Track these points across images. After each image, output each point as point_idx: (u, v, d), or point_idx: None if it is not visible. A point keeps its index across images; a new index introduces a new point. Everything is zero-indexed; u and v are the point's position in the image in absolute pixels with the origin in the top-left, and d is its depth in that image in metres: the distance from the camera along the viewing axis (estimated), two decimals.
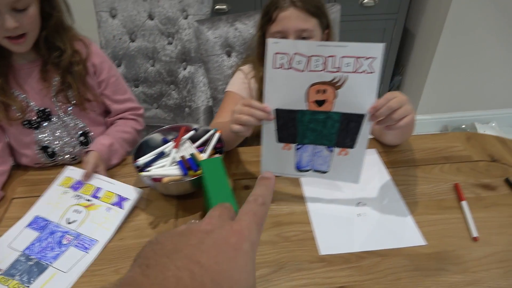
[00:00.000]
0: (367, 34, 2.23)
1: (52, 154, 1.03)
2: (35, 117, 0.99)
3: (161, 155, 0.92)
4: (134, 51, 1.56)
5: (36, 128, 1.00)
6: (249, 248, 0.28)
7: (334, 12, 1.24)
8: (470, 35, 2.04)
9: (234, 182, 0.95)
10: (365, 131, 0.77)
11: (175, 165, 0.89)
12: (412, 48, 2.37)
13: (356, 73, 0.72)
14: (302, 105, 0.77)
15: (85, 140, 1.06)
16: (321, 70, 0.73)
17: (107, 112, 1.12)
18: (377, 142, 1.05)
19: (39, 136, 1.01)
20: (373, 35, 2.24)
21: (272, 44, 0.72)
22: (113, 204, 0.89)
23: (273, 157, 0.84)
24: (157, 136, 0.98)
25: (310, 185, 0.93)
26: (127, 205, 0.89)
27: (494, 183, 0.91)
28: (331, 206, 0.87)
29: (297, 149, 0.83)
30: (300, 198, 0.90)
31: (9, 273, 0.76)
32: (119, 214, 0.87)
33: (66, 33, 0.95)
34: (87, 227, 0.85)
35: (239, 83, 1.16)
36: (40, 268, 0.77)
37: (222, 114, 1.12)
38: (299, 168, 0.86)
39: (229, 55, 1.24)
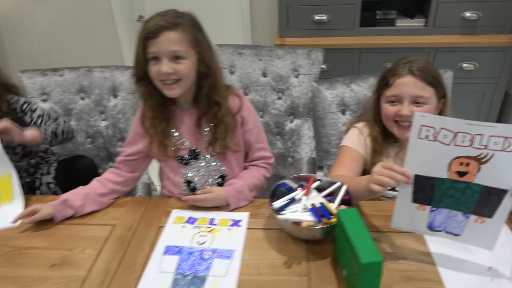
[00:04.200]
0: (466, 97, 2.21)
1: (193, 189, 1.18)
2: (187, 155, 1.15)
3: (292, 201, 1.00)
4: None
5: (186, 164, 1.17)
6: None
7: (446, 78, 1.30)
8: None
9: None
10: (506, 205, 0.79)
11: (306, 211, 0.96)
12: None
13: (504, 152, 0.75)
14: (442, 174, 0.81)
15: (222, 182, 1.20)
16: (468, 146, 0.77)
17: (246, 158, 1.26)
18: None
19: (186, 171, 1.17)
20: (472, 99, 2.22)
21: (419, 117, 0.79)
22: (231, 226, 1.04)
23: (406, 214, 0.88)
24: (288, 182, 1.06)
25: (436, 243, 0.94)
26: (244, 223, 1.04)
27: None
28: (462, 267, 0.88)
29: (432, 210, 0.86)
30: (427, 256, 0.91)
31: None
32: (241, 229, 1.02)
33: (223, 90, 1.11)
34: (218, 243, 0.99)
35: (355, 139, 1.22)
36: (201, 279, 0.89)
37: (339, 167, 1.18)
38: (431, 228, 0.89)
39: (343, 113, 1.33)
